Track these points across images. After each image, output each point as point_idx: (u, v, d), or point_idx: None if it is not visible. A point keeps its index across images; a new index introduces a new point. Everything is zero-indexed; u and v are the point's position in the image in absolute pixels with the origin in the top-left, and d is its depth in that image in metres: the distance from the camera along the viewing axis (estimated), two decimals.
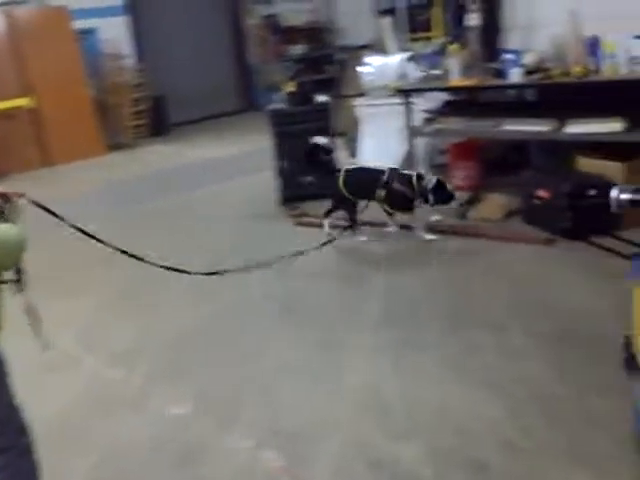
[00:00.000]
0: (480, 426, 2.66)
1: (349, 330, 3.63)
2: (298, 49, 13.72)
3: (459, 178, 5.95)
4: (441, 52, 6.93)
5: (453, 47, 5.96)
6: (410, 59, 6.94)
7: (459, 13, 6.62)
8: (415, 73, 5.81)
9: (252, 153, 9.24)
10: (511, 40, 5.87)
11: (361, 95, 7.48)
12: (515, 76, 4.81)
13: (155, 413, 3.05)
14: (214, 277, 4.58)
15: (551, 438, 2.52)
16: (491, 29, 6.06)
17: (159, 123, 11.90)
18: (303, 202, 6.18)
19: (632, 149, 4.53)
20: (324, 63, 13.89)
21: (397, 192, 4.73)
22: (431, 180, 4.66)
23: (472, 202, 5.17)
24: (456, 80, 5.22)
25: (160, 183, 8.15)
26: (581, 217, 4.40)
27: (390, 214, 5.01)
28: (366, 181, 4.87)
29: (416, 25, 7.24)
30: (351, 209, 5.00)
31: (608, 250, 4.19)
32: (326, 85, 13.15)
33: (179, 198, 7.22)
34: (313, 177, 6.27)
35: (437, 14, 6.89)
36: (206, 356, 3.54)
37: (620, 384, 2.76)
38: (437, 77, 5.62)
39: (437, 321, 3.62)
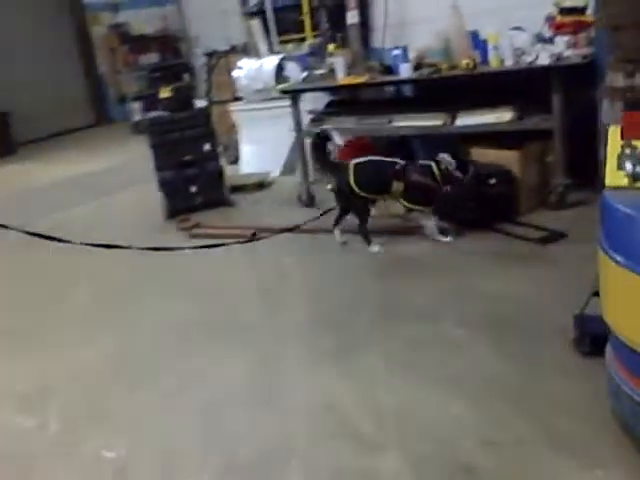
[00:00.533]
0: (451, 426, 2.56)
1: (280, 342, 3.42)
2: (150, 58, 13.19)
3: None
4: (316, 53, 6.90)
5: (332, 46, 5.93)
6: (285, 60, 6.84)
7: (333, 14, 6.63)
8: (297, 74, 5.69)
9: (115, 168, 8.74)
10: (390, 37, 5.93)
11: (237, 100, 7.28)
12: (405, 72, 4.82)
13: (86, 460, 2.67)
14: (113, 302, 4.23)
15: (526, 429, 2.47)
16: (367, 27, 6.10)
17: (5, 142, 10.96)
18: (191, 213, 5.86)
19: (523, 137, 4.69)
20: (180, 71, 13.47)
21: (417, 184, 4.32)
22: (449, 161, 4.30)
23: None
24: (346, 78, 5.16)
25: (19, 206, 7.41)
26: (484, 206, 4.48)
27: (410, 210, 4.48)
28: (379, 174, 4.38)
29: (286, 27, 7.13)
30: (362, 211, 4.46)
31: (515, 236, 4.29)
32: None
33: (46, 222, 6.58)
34: (197, 187, 5.99)
35: (308, 15, 6.82)
36: (129, 390, 3.18)
37: (573, 364, 2.81)
38: (321, 77, 5.53)
39: (368, 319, 3.51)
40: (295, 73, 5.63)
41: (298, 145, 5.64)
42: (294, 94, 5.50)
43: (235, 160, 7.29)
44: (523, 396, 2.68)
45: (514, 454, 2.37)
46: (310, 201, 5.64)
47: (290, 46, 7.18)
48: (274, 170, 6.87)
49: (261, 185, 6.51)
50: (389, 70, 5.04)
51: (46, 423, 2.95)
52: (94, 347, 3.65)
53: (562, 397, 2.62)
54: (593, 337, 2.78)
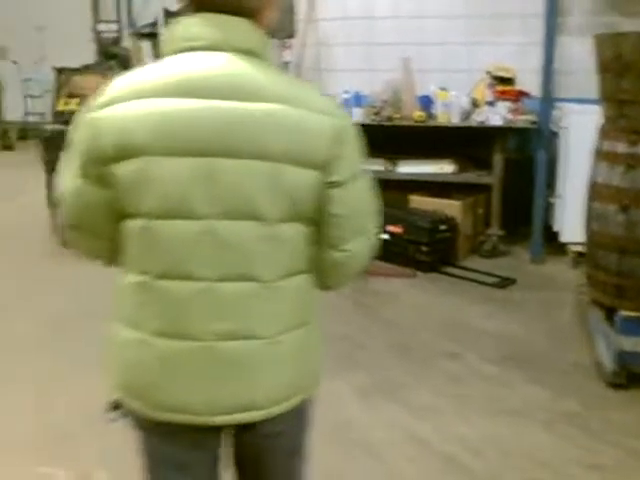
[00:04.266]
0: (547, 453, 2.69)
1: None
2: None
3: None
4: None
5: None
6: None
7: None
8: None
9: None
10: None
11: None
12: (358, 116, 4.95)
13: None
14: None
15: (612, 452, 2.67)
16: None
17: None
18: None
19: (456, 188, 5.08)
20: None
21: None
22: None
23: None
24: None
25: None
26: (434, 250, 4.74)
27: None
28: None
29: None
30: None
31: (469, 279, 4.59)
32: None
33: None
34: None
35: None
36: None
37: (613, 395, 3.11)
38: None
39: (391, 359, 3.50)
40: None
41: None
42: None
43: None
44: (587, 423, 2.90)
45: (618, 476, 2.56)
46: None
47: None
48: None
49: None
50: None
51: None
52: None
53: (621, 422, 2.89)
54: (629, 371, 3.14)
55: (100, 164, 1.21)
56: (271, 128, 1.17)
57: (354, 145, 1.27)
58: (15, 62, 10.33)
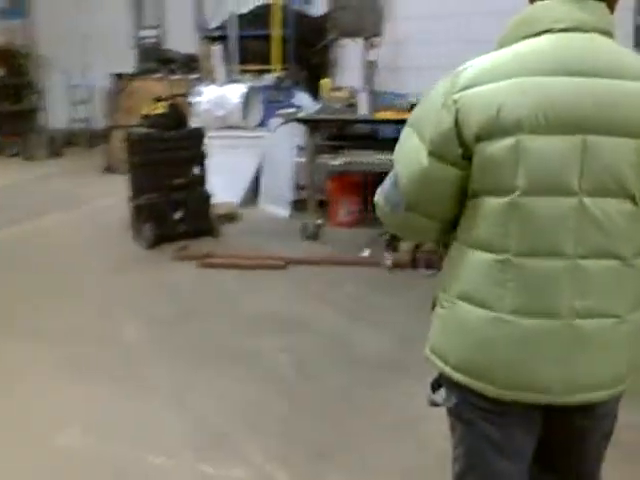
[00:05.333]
0: None
1: None
2: None
3: (342, 214, 5.78)
4: (278, 85, 6.78)
5: (325, 81, 5.88)
6: (253, 90, 6.59)
7: (299, 49, 6.56)
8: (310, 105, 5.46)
9: (5, 190, 7.53)
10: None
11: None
12: None
13: None
14: None
15: None
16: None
17: None
18: (175, 242, 5.25)
19: None
20: (26, 91, 12.13)
21: None
22: None
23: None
24: (381, 113, 5.08)
25: None
26: None
27: None
28: None
29: (248, 56, 6.82)
30: None
31: None
32: (25, 116, 11.53)
33: None
34: (183, 214, 5.41)
35: (277, 47, 6.62)
36: None
37: None
38: (337, 110, 5.38)
39: None
40: (308, 103, 5.38)
41: (308, 176, 5.41)
42: (312, 124, 5.28)
43: None
44: None
45: None
46: (315, 235, 5.40)
47: (248, 76, 6.89)
48: (232, 200, 6.44)
49: (232, 217, 6.06)
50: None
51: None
52: None
53: None
54: None
55: (460, 144, 1.20)
56: None
57: None
58: (64, 71, 10.35)
